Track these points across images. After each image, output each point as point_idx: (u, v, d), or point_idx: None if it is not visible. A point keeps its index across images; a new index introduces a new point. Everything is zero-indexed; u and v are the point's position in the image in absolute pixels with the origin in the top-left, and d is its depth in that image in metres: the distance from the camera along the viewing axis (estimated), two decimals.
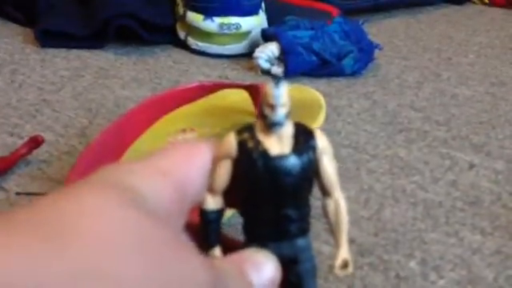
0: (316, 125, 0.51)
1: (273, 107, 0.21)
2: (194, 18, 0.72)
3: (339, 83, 0.67)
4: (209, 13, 0.71)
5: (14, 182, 0.45)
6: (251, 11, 0.72)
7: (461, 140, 0.55)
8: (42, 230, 0.16)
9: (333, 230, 0.23)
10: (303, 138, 0.22)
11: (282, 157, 0.21)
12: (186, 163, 0.21)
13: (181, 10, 0.74)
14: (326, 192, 0.23)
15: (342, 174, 0.50)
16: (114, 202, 0.18)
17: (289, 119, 0.22)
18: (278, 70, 0.67)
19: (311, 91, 0.56)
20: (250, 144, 0.22)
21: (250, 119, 0.51)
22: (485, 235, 0.42)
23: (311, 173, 0.22)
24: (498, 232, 0.42)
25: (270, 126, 0.21)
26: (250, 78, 0.67)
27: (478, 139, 0.56)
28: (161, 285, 0.17)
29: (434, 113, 0.61)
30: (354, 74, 0.68)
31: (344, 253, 0.22)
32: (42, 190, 0.44)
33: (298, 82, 0.65)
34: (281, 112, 0.21)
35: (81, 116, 0.56)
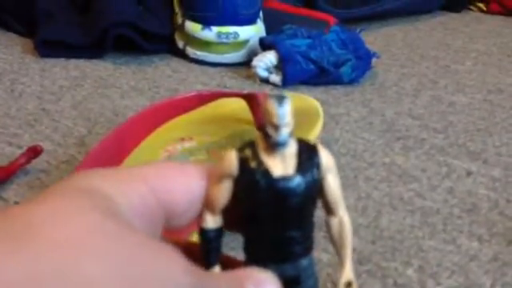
0: (314, 133, 0.51)
1: (276, 127, 0.20)
2: (193, 27, 0.72)
3: (337, 91, 0.67)
4: (207, 22, 0.71)
5: (12, 192, 0.46)
6: (249, 20, 0.73)
7: (458, 147, 0.56)
8: (3, 231, 0.16)
9: (337, 249, 0.22)
10: (307, 155, 0.21)
11: (285, 178, 0.21)
12: (167, 177, 0.21)
13: (179, 19, 0.75)
14: (330, 210, 0.22)
15: (340, 181, 0.50)
16: (83, 206, 0.18)
17: (292, 138, 0.21)
18: (276, 78, 0.67)
19: (309, 99, 0.57)
20: (253, 163, 0.21)
21: (248, 127, 0.51)
22: (482, 242, 0.42)
23: (315, 191, 0.21)
24: (495, 239, 0.43)
25: (274, 146, 0.20)
26: (248, 87, 0.67)
27: (476, 147, 0.56)
28: (131, 285, 0.16)
29: (431, 120, 0.61)
30: (352, 82, 0.68)
31: (348, 273, 0.22)
32: None
33: (295, 91, 0.65)
34: (285, 132, 0.20)
35: (80, 125, 0.57)
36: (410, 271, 0.39)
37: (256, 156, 0.21)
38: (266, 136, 0.21)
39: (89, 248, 0.16)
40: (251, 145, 0.21)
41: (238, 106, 0.52)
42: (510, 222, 0.45)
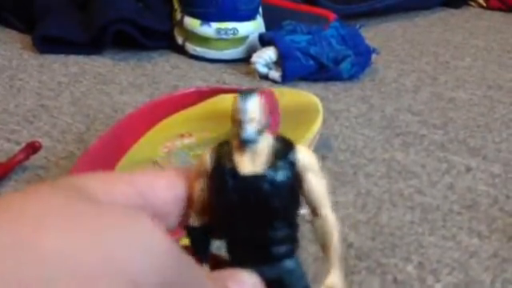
0: (313, 129, 0.51)
1: (241, 124, 0.20)
2: (192, 23, 0.72)
3: (336, 87, 0.67)
4: (206, 18, 0.71)
5: (11, 188, 0.45)
6: (248, 16, 0.72)
7: (458, 143, 0.56)
8: None
9: (322, 251, 0.21)
10: (281, 153, 0.20)
11: (253, 176, 0.20)
12: (154, 181, 0.21)
13: (178, 15, 0.74)
14: (312, 210, 0.21)
15: (340, 178, 0.51)
16: (59, 193, 0.18)
17: (263, 135, 0.20)
18: (275, 74, 0.67)
19: (308, 95, 0.57)
20: (223, 162, 0.20)
21: None
22: (482, 239, 0.42)
23: (292, 190, 0.20)
24: (494, 235, 0.42)
25: (242, 144, 0.20)
26: (247, 83, 0.67)
27: (475, 143, 0.56)
28: (104, 253, 0.16)
29: (431, 116, 0.61)
30: (352, 78, 0.68)
31: (334, 278, 0.21)
32: None
33: (295, 87, 0.65)
34: (250, 128, 0.20)
35: (79, 122, 0.57)
36: (409, 267, 0.39)
37: (228, 154, 0.20)
38: (235, 134, 0.20)
39: (49, 221, 0.16)
40: (227, 143, 0.21)
41: None
42: (509, 218, 0.44)
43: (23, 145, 0.49)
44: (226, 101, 0.54)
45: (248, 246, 0.21)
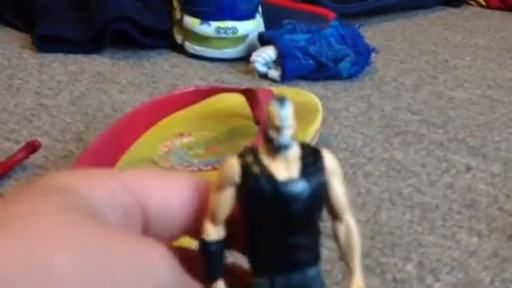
0: (313, 128, 0.51)
1: (279, 129, 0.20)
2: (191, 22, 0.72)
3: (336, 86, 0.67)
4: (205, 17, 0.71)
5: (10, 187, 0.45)
6: (248, 15, 0.72)
7: (457, 143, 0.56)
8: None
9: (344, 255, 0.22)
10: (311, 159, 0.20)
11: (290, 181, 0.20)
12: (146, 181, 0.20)
13: (178, 14, 0.74)
14: (335, 215, 0.21)
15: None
16: (55, 205, 0.18)
17: (295, 140, 0.20)
18: (274, 73, 0.67)
19: (308, 95, 0.57)
20: (255, 169, 0.20)
21: (247, 123, 0.51)
22: (481, 238, 0.42)
23: (321, 196, 0.21)
24: (494, 234, 0.42)
25: (276, 149, 0.20)
26: (247, 82, 0.67)
27: (475, 142, 0.56)
28: (106, 277, 0.16)
29: (430, 116, 0.61)
30: (351, 77, 0.68)
31: (358, 281, 0.21)
32: None
33: (294, 86, 0.65)
34: (287, 134, 0.20)
35: (78, 121, 0.57)
36: (409, 267, 0.39)
37: (258, 161, 0.20)
38: (268, 139, 0.20)
39: (60, 241, 0.16)
40: (252, 149, 0.20)
41: (237, 101, 0.52)
42: (509, 217, 0.44)
43: (22, 144, 0.49)
44: (225, 100, 0.54)
45: (277, 255, 0.20)
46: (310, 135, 0.50)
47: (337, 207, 0.21)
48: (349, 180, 0.48)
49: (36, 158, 0.49)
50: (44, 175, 0.20)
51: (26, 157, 0.48)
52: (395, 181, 0.49)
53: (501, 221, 0.44)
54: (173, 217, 0.21)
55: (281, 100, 0.20)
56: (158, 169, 0.45)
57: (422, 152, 0.54)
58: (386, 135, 0.56)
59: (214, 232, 0.21)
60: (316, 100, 0.55)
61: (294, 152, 0.20)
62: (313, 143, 0.50)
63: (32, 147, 0.48)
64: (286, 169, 0.20)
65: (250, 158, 0.20)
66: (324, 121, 0.55)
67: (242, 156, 0.20)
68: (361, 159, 0.52)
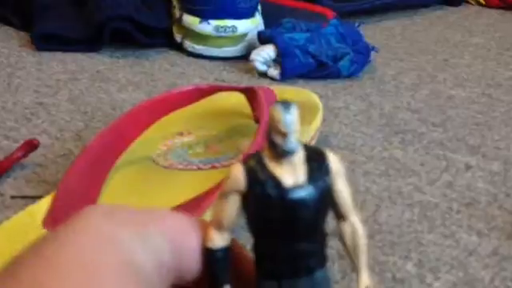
0: (313, 127, 0.51)
1: (284, 135, 0.19)
2: (190, 20, 0.72)
3: (335, 85, 0.67)
4: (205, 16, 0.71)
5: (9, 186, 0.45)
6: (247, 14, 0.72)
7: (457, 141, 0.55)
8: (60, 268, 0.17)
9: (350, 255, 0.22)
10: (316, 163, 0.20)
11: (297, 187, 0.20)
12: (182, 232, 0.21)
13: (177, 12, 0.74)
14: (341, 216, 0.21)
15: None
16: (110, 265, 0.18)
17: (300, 144, 0.20)
18: (274, 72, 0.67)
19: (308, 93, 0.56)
20: (261, 175, 0.20)
21: (247, 122, 0.51)
22: (481, 236, 0.42)
23: (328, 199, 0.21)
24: (494, 233, 0.42)
25: (282, 155, 0.20)
26: (246, 81, 0.67)
27: (474, 140, 0.56)
28: None
29: (430, 114, 0.61)
30: (351, 75, 0.68)
31: (365, 279, 0.21)
32: (37, 193, 0.44)
33: (294, 84, 0.65)
34: (293, 140, 0.19)
35: (77, 119, 0.56)
36: (408, 266, 0.39)
37: (263, 167, 0.20)
38: (273, 144, 0.20)
39: None
40: (256, 156, 0.20)
41: (237, 100, 0.52)
42: (509, 215, 0.44)
43: (21, 142, 0.49)
44: (225, 99, 0.54)
45: (284, 260, 0.20)
46: (311, 134, 0.50)
47: (343, 208, 0.21)
48: (348, 178, 0.48)
49: (35, 156, 0.49)
50: (87, 213, 0.20)
51: (25, 155, 0.48)
52: (395, 179, 0.48)
53: (500, 219, 0.44)
54: (198, 266, 0.21)
55: (285, 104, 0.19)
56: (157, 167, 0.45)
57: (422, 151, 0.53)
58: (386, 134, 0.56)
59: (219, 239, 0.21)
60: (316, 99, 0.55)
61: (299, 156, 0.20)
62: (313, 142, 0.50)
63: (30, 146, 0.48)
64: (292, 174, 0.20)
65: (254, 164, 0.20)
66: (324, 119, 0.55)
67: (247, 162, 0.20)
68: (360, 158, 0.51)
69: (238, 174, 0.20)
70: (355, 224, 0.21)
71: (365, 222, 0.43)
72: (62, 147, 0.51)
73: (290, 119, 0.19)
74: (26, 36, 0.75)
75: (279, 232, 0.20)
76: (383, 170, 0.50)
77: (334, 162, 0.21)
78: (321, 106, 0.54)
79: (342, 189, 0.21)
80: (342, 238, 0.21)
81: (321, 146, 0.21)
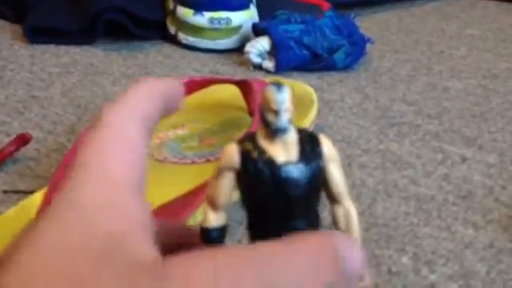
0: (308, 119, 0.51)
1: (276, 113, 0.20)
2: (184, 12, 0.71)
3: (331, 77, 0.66)
4: (199, 7, 0.70)
5: (1, 180, 0.45)
6: (242, 5, 0.72)
7: (453, 133, 0.55)
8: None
9: None
10: (309, 144, 0.21)
11: (289, 164, 0.20)
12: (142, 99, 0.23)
13: (171, 4, 0.74)
14: (334, 200, 0.22)
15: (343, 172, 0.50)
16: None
17: (292, 125, 0.20)
18: (269, 64, 0.67)
19: (303, 86, 0.56)
20: (254, 153, 0.20)
21: (241, 114, 0.50)
22: (477, 229, 0.42)
23: (319, 181, 0.21)
24: (490, 226, 0.42)
25: (274, 133, 0.20)
26: (241, 73, 0.66)
27: (471, 132, 0.55)
28: None
29: (425, 106, 0.60)
30: (346, 68, 0.68)
31: None
32: (30, 187, 0.44)
33: (289, 77, 0.65)
34: (285, 117, 0.20)
35: (70, 113, 0.56)
36: (404, 259, 0.39)
37: (257, 145, 0.20)
38: (266, 124, 0.20)
39: None
40: (250, 136, 0.21)
41: (231, 92, 0.52)
42: (505, 208, 0.44)
43: (13, 136, 0.48)
44: (219, 91, 0.53)
45: (276, 239, 0.20)
46: (305, 126, 0.49)
47: (335, 191, 0.21)
48: (344, 171, 0.48)
49: (27, 150, 0.48)
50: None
51: (17, 149, 0.47)
52: (390, 172, 0.48)
53: (496, 212, 0.44)
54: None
55: (278, 84, 0.20)
56: (151, 161, 0.45)
57: (418, 143, 0.53)
58: (381, 126, 0.56)
59: (214, 219, 0.21)
60: (311, 91, 0.55)
61: (292, 136, 0.20)
62: None
63: (23, 140, 0.47)
64: (284, 152, 0.20)
65: (248, 144, 0.20)
66: (319, 112, 0.54)
67: (240, 142, 0.21)
68: (356, 150, 0.51)
69: (232, 152, 0.20)
70: (348, 207, 0.22)
71: (360, 214, 0.43)
72: (54, 141, 0.51)
73: (282, 97, 0.20)
74: (19, 29, 0.74)
75: (272, 209, 0.20)
76: (379, 163, 0.49)
77: (327, 146, 0.21)
78: (316, 98, 0.54)
79: (335, 172, 0.21)
80: (335, 222, 0.22)
81: (318, 133, 0.21)
